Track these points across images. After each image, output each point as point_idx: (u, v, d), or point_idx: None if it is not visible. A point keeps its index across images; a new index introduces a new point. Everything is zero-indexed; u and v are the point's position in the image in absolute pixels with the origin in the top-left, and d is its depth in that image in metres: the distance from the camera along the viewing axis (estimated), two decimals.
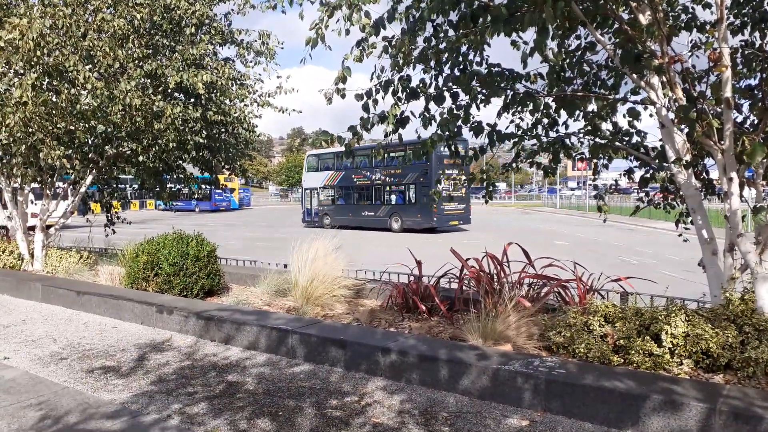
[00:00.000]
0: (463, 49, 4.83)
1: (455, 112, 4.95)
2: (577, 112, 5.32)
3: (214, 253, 7.85)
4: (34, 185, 10.86)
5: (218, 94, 9.45)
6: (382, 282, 7.36)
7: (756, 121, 4.95)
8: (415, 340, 4.95)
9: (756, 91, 5.04)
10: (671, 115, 4.67)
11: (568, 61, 5.33)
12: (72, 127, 8.23)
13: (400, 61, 4.75)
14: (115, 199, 11.47)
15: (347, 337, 5.03)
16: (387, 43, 4.80)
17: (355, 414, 3.95)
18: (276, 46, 9.97)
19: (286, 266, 7.87)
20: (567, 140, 5.67)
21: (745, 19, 5.13)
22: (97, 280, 8.56)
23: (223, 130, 10.06)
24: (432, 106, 4.89)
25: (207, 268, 7.56)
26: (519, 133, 5.57)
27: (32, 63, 7.28)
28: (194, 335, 6.04)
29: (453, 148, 5.30)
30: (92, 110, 7.89)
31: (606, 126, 5.64)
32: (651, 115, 4.98)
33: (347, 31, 4.67)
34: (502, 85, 4.93)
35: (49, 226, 10.41)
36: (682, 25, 5.22)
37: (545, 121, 5.61)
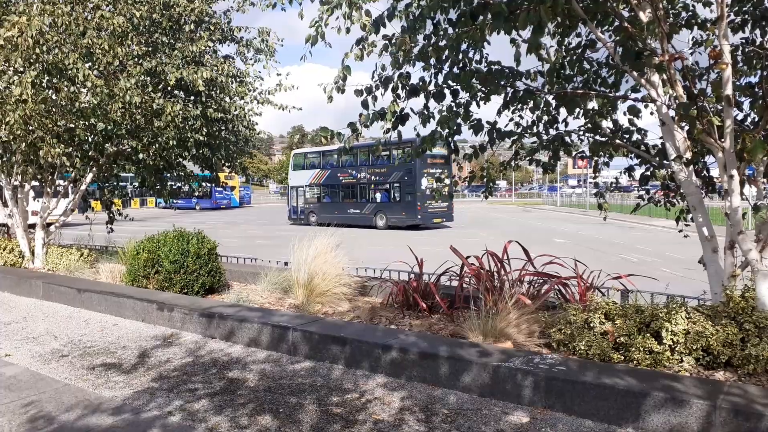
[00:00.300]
0: (463, 46, 4.83)
1: (455, 109, 4.95)
2: (578, 109, 5.32)
3: (215, 251, 7.86)
4: (35, 183, 10.87)
5: (218, 92, 9.45)
6: (383, 279, 7.37)
7: (756, 119, 4.95)
8: (415, 338, 4.96)
9: (756, 89, 5.05)
10: (672, 113, 4.67)
11: (568, 58, 5.33)
12: (72, 125, 8.24)
13: (400, 59, 4.75)
14: (115, 197, 11.48)
15: (348, 335, 5.03)
16: (387, 41, 4.80)
17: (356, 411, 3.96)
18: (276, 43, 9.97)
19: (286, 264, 7.88)
20: (567, 138, 5.67)
21: (746, 16, 5.12)
22: (97, 278, 8.57)
23: (223, 127, 10.06)
24: (432, 103, 4.89)
25: (208, 266, 7.57)
26: (519, 130, 5.57)
27: (32, 61, 7.28)
28: (195, 332, 6.05)
29: (452, 146, 5.30)
30: (92, 108, 7.90)
31: (606, 124, 5.64)
32: (651, 113, 4.98)
33: (347, 30, 4.67)
34: (502, 82, 4.93)
35: (49, 224, 10.42)
36: (683, 22, 5.22)
37: (545, 118, 5.61)
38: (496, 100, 5.17)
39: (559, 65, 5.13)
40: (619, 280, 5.83)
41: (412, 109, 4.92)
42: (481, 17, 4.22)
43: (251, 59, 10.10)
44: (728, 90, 4.16)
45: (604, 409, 3.70)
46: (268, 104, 10.18)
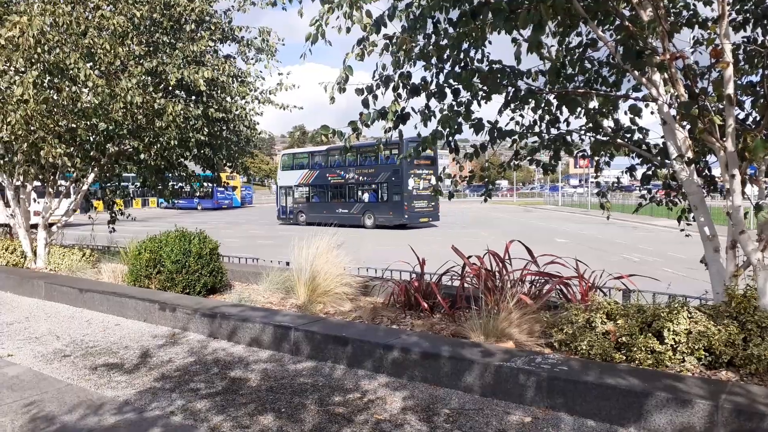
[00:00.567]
0: (464, 45, 4.82)
1: (456, 108, 4.95)
2: (579, 109, 5.32)
3: (217, 251, 7.87)
4: (37, 183, 10.89)
5: (219, 92, 9.46)
6: (384, 279, 7.37)
7: (758, 118, 4.94)
8: (417, 338, 4.96)
9: (758, 88, 5.04)
10: (673, 112, 4.66)
11: (569, 58, 5.32)
12: (73, 125, 8.24)
13: (401, 59, 4.74)
14: (117, 197, 11.49)
15: (350, 335, 5.04)
16: (388, 41, 4.80)
17: (358, 411, 3.96)
18: (276, 43, 9.97)
19: (288, 264, 7.88)
20: (568, 137, 5.67)
21: (747, 15, 5.11)
22: (99, 278, 8.58)
23: (224, 127, 10.06)
24: (433, 102, 4.89)
25: (209, 266, 7.58)
26: (520, 130, 5.57)
27: (33, 61, 7.29)
28: (197, 332, 6.05)
29: (453, 145, 5.30)
30: (93, 108, 7.90)
31: (608, 123, 5.64)
32: (652, 112, 4.97)
33: (348, 29, 4.67)
34: (503, 82, 4.93)
35: (51, 224, 10.43)
36: (684, 21, 5.21)
37: (547, 118, 5.61)
38: (497, 100, 5.17)
39: (560, 64, 5.13)
40: (621, 280, 5.82)
41: (413, 108, 4.92)
42: (481, 16, 4.22)
43: (252, 59, 10.11)
44: (730, 89, 4.15)
45: (606, 409, 3.70)
46: (270, 104, 10.18)
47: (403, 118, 4.86)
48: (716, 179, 5.33)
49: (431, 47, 4.75)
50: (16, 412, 3.95)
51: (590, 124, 5.52)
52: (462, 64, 4.89)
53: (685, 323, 4.15)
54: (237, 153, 10.73)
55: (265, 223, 31.66)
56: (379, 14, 4.61)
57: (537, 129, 5.66)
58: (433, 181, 26.73)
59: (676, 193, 5.82)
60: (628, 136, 5.63)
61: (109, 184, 11.29)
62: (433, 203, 27.02)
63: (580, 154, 6.07)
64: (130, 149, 9.32)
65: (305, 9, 5.42)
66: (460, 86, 4.81)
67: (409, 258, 7.15)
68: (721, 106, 4.35)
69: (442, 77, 4.90)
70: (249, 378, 4.67)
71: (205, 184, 11.70)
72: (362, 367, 4.82)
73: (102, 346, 5.69)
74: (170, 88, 8.82)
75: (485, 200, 6.09)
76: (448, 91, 4.88)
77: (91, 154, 9.42)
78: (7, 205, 10.54)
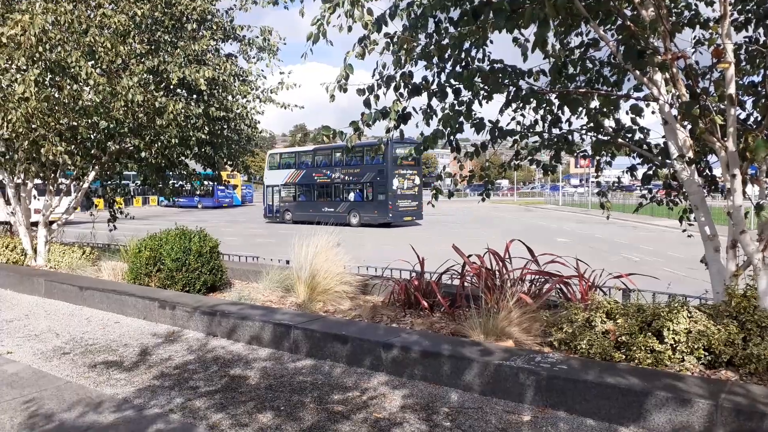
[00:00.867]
0: (466, 45, 4.82)
1: (457, 108, 4.94)
2: (580, 108, 5.31)
3: (217, 249, 7.87)
4: (38, 181, 10.89)
5: (220, 90, 9.45)
6: (384, 278, 7.37)
7: (759, 118, 4.94)
8: (417, 336, 4.96)
9: (759, 88, 5.03)
10: (674, 112, 4.66)
11: (570, 57, 5.32)
12: (74, 123, 8.24)
13: (402, 58, 4.74)
14: (118, 195, 11.50)
15: (349, 333, 5.04)
16: (389, 40, 4.79)
17: (357, 409, 3.96)
18: (278, 42, 9.97)
19: (288, 262, 7.89)
20: (569, 137, 5.67)
21: (749, 15, 5.11)
22: (99, 276, 8.58)
23: (225, 126, 10.06)
24: (434, 102, 4.89)
25: (209, 264, 7.58)
26: (521, 129, 5.56)
27: (34, 59, 7.29)
28: (197, 330, 6.06)
29: (454, 144, 5.30)
30: (94, 106, 7.91)
31: (609, 123, 5.63)
32: (654, 112, 4.97)
33: (349, 28, 4.67)
34: (505, 81, 4.93)
35: (52, 222, 10.44)
36: (686, 21, 5.20)
37: (548, 117, 5.61)
38: (499, 99, 5.17)
39: (561, 64, 5.12)
40: (621, 280, 5.82)
41: (414, 108, 4.92)
42: (482, 16, 4.21)
43: (254, 58, 10.11)
44: (731, 89, 4.15)
45: (606, 408, 3.70)
46: (271, 103, 10.18)
47: (404, 117, 4.86)
48: (717, 179, 5.33)
49: (432, 46, 4.75)
50: (15, 409, 3.96)
51: (591, 124, 5.52)
52: (463, 63, 4.88)
53: (685, 323, 4.15)
54: (238, 152, 10.73)
55: (266, 222, 31.72)
56: (380, 13, 4.62)
57: (538, 128, 5.66)
58: (417, 181, 27.96)
59: (676, 192, 5.82)
60: (629, 135, 5.63)
61: (109, 183, 11.30)
62: (416, 202, 27.82)
63: (581, 153, 6.07)
64: (131, 147, 9.33)
65: (306, 8, 5.42)
66: (462, 86, 4.81)
67: (407, 257, 7.15)
68: (722, 106, 4.35)
69: (443, 77, 4.90)
70: (248, 376, 4.67)
71: (205, 182, 11.69)
72: (362, 366, 4.83)
73: (101, 344, 5.69)
74: (171, 86, 8.81)
75: (483, 199, 6.08)
76: (449, 90, 4.88)
77: (92, 152, 9.43)
78: (7, 202, 10.55)
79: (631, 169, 5.95)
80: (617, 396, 3.67)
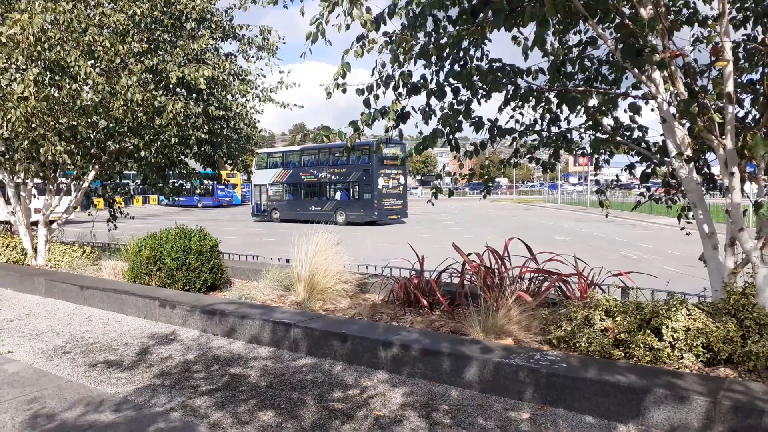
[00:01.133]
0: (464, 44, 4.83)
1: (456, 107, 4.95)
2: (579, 107, 5.32)
3: (217, 248, 7.88)
4: (37, 180, 10.90)
5: (220, 89, 9.45)
6: (384, 276, 7.38)
7: (758, 116, 4.95)
8: (416, 334, 4.97)
9: (758, 86, 5.04)
10: (673, 110, 4.67)
11: (569, 56, 5.33)
12: (74, 123, 8.25)
13: (401, 57, 4.75)
14: (118, 195, 11.50)
15: (349, 331, 5.05)
16: (387, 39, 4.80)
17: (358, 406, 3.98)
18: (277, 41, 9.96)
19: (288, 261, 7.90)
20: (568, 135, 5.67)
21: (747, 13, 5.12)
22: (100, 275, 8.59)
23: (224, 125, 10.07)
24: (433, 101, 4.89)
25: (210, 263, 7.59)
26: (520, 128, 5.57)
27: (33, 58, 7.29)
28: (197, 329, 6.07)
29: (453, 143, 5.31)
30: (94, 105, 7.91)
31: (607, 121, 5.64)
32: (652, 110, 4.98)
33: (347, 27, 4.67)
34: (503, 80, 4.93)
35: (52, 221, 10.45)
36: (684, 19, 5.21)
37: (547, 116, 5.61)
38: (497, 98, 5.18)
39: (560, 62, 5.13)
40: (620, 278, 5.83)
41: (413, 107, 4.93)
42: (481, 14, 4.22)
43: (253, 57, 10.10)
44: (729, 87, 4.16)
45: (605, 406, 3.72)
46: (270, 102, 10.18)
47: (403, 116, 4.87)
48: (715, 177, 5.34)
49: (431, 45, 4.75)
50: (16, 408, 3.97)
51: (590, 122, 5.53)
52: (462, 62, 4.89)
53: (684, 320, 4.16)
54: (237, 151, 10.74)
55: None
56: (379, 12, 4.62)
57: (537, 127, 5.66)
58: (402, 180, 28.57)
59: (675, 190, 5.83)
60: (628, 134, 5.64)
61: (109, 182, 11.30)
62: (401, 201, 28.47)
63: (580, 152, 6.08)
64: (131, 147, 9.33)
65: (306, 7, 5.43)
66: (460, 85, 4.82)
67: (406, 255, 7.16)
68: (720, 104, 4.36)
69: (442, 76, 4.91)
70: (249, 375, 4.68)
71: (205, 181, 11.69)
72: (362, 364, 4.84)
73: (102, 343, 5.71)
74: (171, 85, 8.81)
75: (484, 197, 6.10)
76: (448, 89, 4.89)
77: (92, 151, 9.43)
78: (7, 202, 10.56)
79: (630, 167, 5.96)
80: (616, 393, 3.69)
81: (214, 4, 9.49)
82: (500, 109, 5.25)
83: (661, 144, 5.34)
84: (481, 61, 4.97)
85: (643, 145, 5.63)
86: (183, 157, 10.27)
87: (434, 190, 5.57)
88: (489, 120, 5.17)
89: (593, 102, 5.46)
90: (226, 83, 9.39)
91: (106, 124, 8.23)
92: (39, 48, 7.14)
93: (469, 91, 4.84)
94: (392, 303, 6.43)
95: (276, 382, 4.50)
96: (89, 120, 8.22)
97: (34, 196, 12.22)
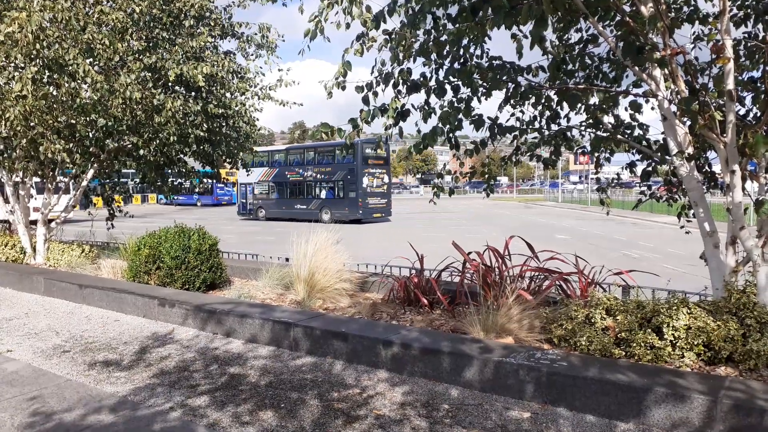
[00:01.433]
0: (464, 42, 4.81)
1: (456, 105, 4.94)
2: (579, 105, 5.31)
3: (216, 247, 7.86)
4: (36, 179, 10.87)
5: (218, 87, 9.43)
6: (384, 275, 7.37)
7: (759, 114, 4.93)
8: (417, 333, 4.96)
9: (759, 84, 5.03)
10: (673, 108, 4.65)
11: (569, 53, 5.31)
12: (72, 121, 8.22)
13: (401, 55, 4.73)
14: (117, 193, 11.48)
15: (349, 330, 5.04)
16: (387, 37, 4.78)
17: (358, 406, 3.96)
18: (276, 39, 9.94)
19: (287, 260, 7.89)
20: (569, 133, 5.66)
21: (748, 10, 5.10)
22: (99, 274, 8.58)
23: (223, 123, 10.04)
24: (432, 99, 4.88)
25: (209, 262, 7.58)
26: (520, 126, 5.56)
27: (32, 56, 7.26)
28: (196, 328, 6.06)
29: (453, 141, 5.29)
30: (92, 104, 7.88)
31: (608, 119, 5.63)
32: (653, 108, 4.96)
33: (347, 25, 4.66)
34: (503, 78, 4.92)
35: (51, 220, 10.42)
36: (685, 17, 5.19)
37: (547, 114, 5.60)
38: (498, 96, 5.16)
39: (560, 60, 5.11)
40: (621, 276, 5.82)
41: (413, 105, 4.91)
42: (481, 12, 4.20)
43: (252, 55, 10.08)
44: (730, 85, 4.14)
45: (606, 405, 3.71)
46: (269, 100, 10.15)
47: (403, 114, 4.85)
48: (716, 175, 5.32)
49: (431, 43, 4.74)
50: (15, 407, 3.96)
51: (590, 120, 5.52)
52: (462, 60, 4.87)
53: (685, 319, 4.15)
54: (236, 149, 10.71)
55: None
56: (378, 10, 4.60)
57: (537, 125, 5.65)
58: (386, 179, 28.97)
59: (676, 189, 5.82)
60: (629, 132, 5.62)
61: (108, 181, 11.28)
62: (385, 200, 28.87)
63: (580, 150, 6.06)
64: (130, 145, 9.30)
65: (305, 5, 5.38)
66: (460, 82, 4.80)
67: (406, 254, 7.14)
68: (721, 102, 4.34)
69: (441, 73, 4.89)
70: (248, 374, 4.67)
71: (204, 180, 11.67)
72: (362, 363, 4.83)
73: (101, 342, 5.69)
74: (169, 83, 8.79)
75: (487, 195, 6.10)
76: (447, 87, 4.87)
77: (91, 150, 9.41)
78: (6, 201, 10.54)
79: (631, 166, 5.95)
80: (617, 392, 3.68)
81: (213, 2, 9.46)
82: (500, 107, 5.23)
83: (661, 142, 5.32)
84: (481, 59, 4.96)
85: (644, 143, 5.61)
86: (182, 156, 10.24)
87: (435, 189, 5.56)
88: (489, 118, 5.16)
89: (594, 100, 5.45)
90: (225, 81, 9.37)
91: (105, 122, 8.20)
92: (37, 46, 7.11)
93: (469, 89, 4.83)
94: (392, 302, 6.42)
95: (276, 381, 4.49)
96: (88, 118, 8.19)
97: (33, 195, 12.20)
